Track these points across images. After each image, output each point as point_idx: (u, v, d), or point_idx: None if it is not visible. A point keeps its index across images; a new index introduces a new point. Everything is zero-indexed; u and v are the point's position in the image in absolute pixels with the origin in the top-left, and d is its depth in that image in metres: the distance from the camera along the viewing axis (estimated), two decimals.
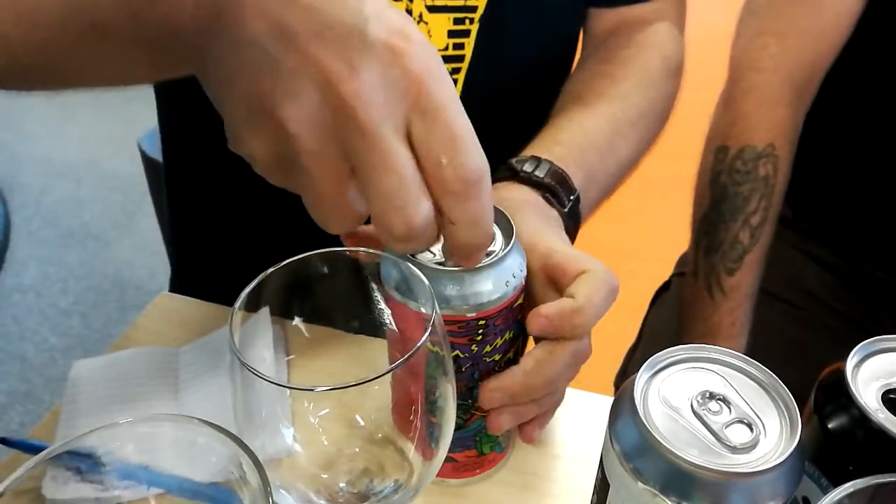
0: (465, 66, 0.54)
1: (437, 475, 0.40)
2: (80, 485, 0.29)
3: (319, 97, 0.28)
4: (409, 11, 0.51)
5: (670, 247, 0.78)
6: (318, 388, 0.27)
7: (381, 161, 0.29)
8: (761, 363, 0.31)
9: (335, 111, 0.28)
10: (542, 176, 0.43)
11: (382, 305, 0.35)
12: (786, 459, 0.27)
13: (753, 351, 0.61)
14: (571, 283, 0.36)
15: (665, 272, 0.78)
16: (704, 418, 0.29)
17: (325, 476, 0.33)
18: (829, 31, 0.60)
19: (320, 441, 0.34)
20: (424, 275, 0.31)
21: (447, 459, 0.40)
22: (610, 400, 0.31)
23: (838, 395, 0.30)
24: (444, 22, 0.52)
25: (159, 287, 0.60)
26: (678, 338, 0.63)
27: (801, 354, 0.53)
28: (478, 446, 0.40)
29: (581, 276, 0.36)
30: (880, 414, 0.29)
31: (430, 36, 0.52)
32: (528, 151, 0.47)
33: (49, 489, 0.27)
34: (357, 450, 0.34)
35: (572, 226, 0.45)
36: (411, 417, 0.31)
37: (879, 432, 0.29)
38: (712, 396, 0.30)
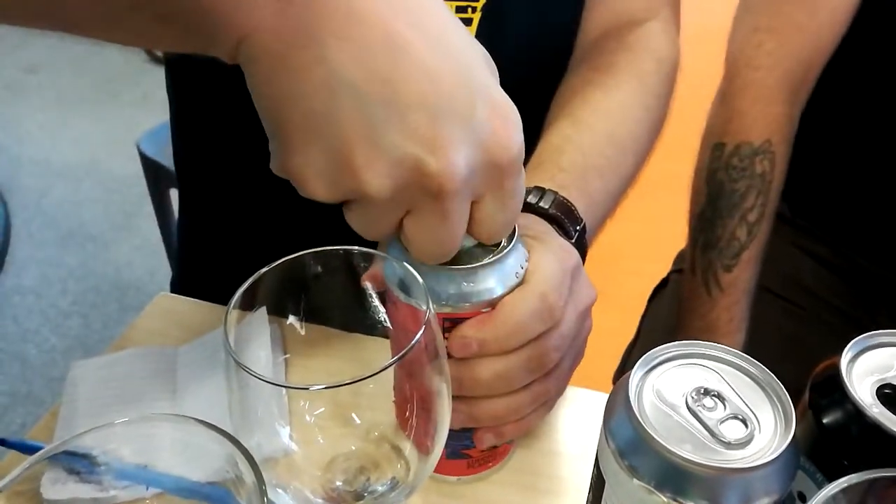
0: None
1: (452, 474, 0.41)
2: (78, 485, 0.29)
3: (414, 183, 0.29)
4: None
5: (668, 244, 0.78)
6: (314, 387, 0.27)
7: (443, 219, 0.30)
8: (758, 359, 0.31)
9: (422, 178, 0.29)
10: (547, 207, 0.43)
11: (377, 303, 0.35)
12: (780, 455, 0.27)
13: (750, 347, 0.61)
14: None
15: (663, 269, 0.79)
16: (699, 414, 0.29)
17: (322, 475, 0.33)
18: (824, 27, 0.60)
19: (316, 440, 0.34)
20: (431, 275, 0.31)
21: (461, 457, 0.40)
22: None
23: (833, 390, 0.30)
24: None
25: (159, 287, 0.60)
26: (676, 335, 0.63)
27: (798, 350, 0.53)
28: None
29: (518, 288, 0.36)
30: (875, 409, 0.30)
31: None
32: (530, 180, 0.46)
33: (47, 490, 0.27)
34: (353, 448, 0.34)
35: (580, 254, 0.45)
36: (407, 415, 0.31)
37: (874, 427, 0.29)
38: (707, 392, 0.30)
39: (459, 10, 0.52)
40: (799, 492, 0.31)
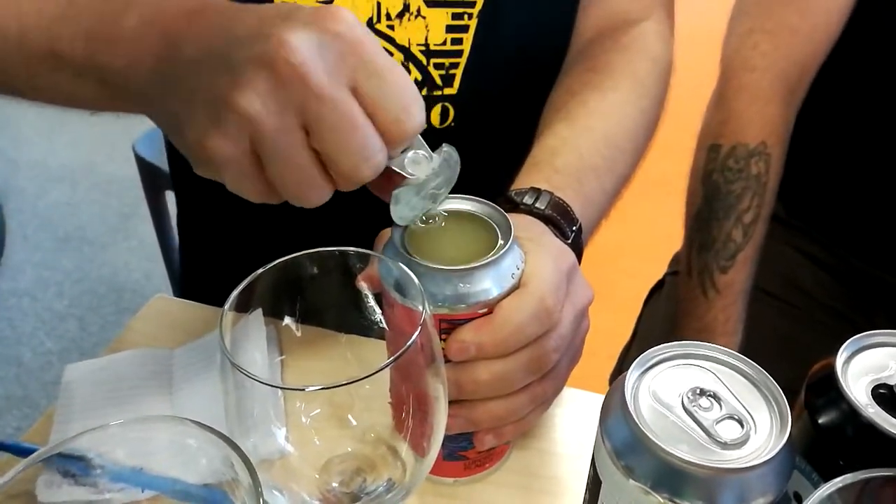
0: (463, 60, 0.54)
1: (449, 476, 0.41)
2: (73, 488, 0.29)
3: (271, 78, 0.31)
4: (408, 6, 0.51)
5: (664, 245, 0.78)
6: (309, 388, 0.27)
7: (345, 121, 0.31)
8: (754, 360, 0.31)
9: (289, 84, 0.31)
10: (542, 208, 0.43)
11: (373, 304, 0.35)
12: (776, 455, 0.27)
13: (747, 348, 0.61)
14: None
15: (659, 271, 0.79)
16: (695, 414, 0.29)
17: (318, 476, 0.33)
18: (819, 29, 0.60)
19: (313, 441, 0.34)
20: (427, 276, 0.31)
21: (458, 458, 0.40)
22: None
23: (828, 390, 0.30)
24: (442, 17, 0.52)
25: (155, 290, 0.60)
26: (672, 336, 0.63)
27: (794, 351, 0.53)
28: None
29: (516, 291, 0.36)
30: (870, 409, 0.30)
31: (428, 30, 0.52)
32: (526, 181, 0.46)
33: (41, 492, 0.27)
34: (349, 449, 0.34)
35: (576, 255, 0.45)
36: (404, 416, 0.31)
37: (869, 427, 0.29)
38: (703, 393, 0.30)
39: (456, 16, 0.52)
40: (795, 492, 0.31)
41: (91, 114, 0.45)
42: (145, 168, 1.17)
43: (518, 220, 0.43)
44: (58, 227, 1.87)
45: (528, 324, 0.35)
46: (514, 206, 0.44)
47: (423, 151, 0.35)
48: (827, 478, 0.26)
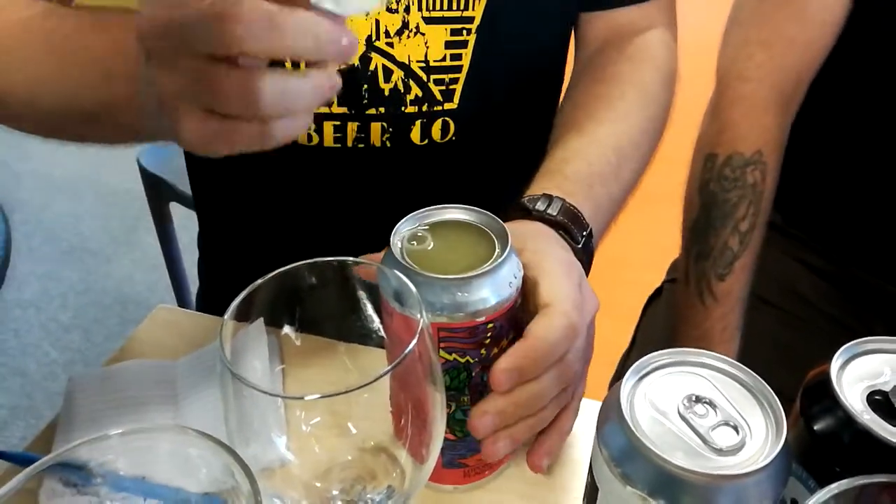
0: (462, 76, 0.54)
1: (448, 483, 0.41)
2: (76, 497, 0.29)
3: (198, 28, 0.30)
4: (407, 23, 0.51)
5: (662, 254, 0.79)
6: (309, 397, 0.27)
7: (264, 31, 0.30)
8: (752, 367, 0.31)
9: (213, 25, 0.29)
10: (554, 214, 0.44)
11: (372, 313, 0.35)
12: (772, 461, 0.27)
13: (745, 355, 0.61)
14: (534, 317, 0.37)
15: (657, 279, 0.79)
16: (691, 421, 0.29)
17: (319, 484, 0.33)
18: (814, 39, 0.61)
19: (313, 449, 0.34)
20: (426, 285, 0.32)
21: (457, 466, 0.40)
22: None
23: (824, 396, 0.31)
24: (441, 33, 0.52)
25: (159, 301, 0.60)
26: (671, 344, 0.63)
27: (792, 358, 0.53)
28: None
29: (541, 310, 0.37)
30: (865, 415, 0.30)
31: (428, 47, 0.53)
32: (537, 189, 0.47)
33: (44, 502, 0.27)
34: (349, 458, 0.34)
35: (586, 260, 0.46)
36: (403, 423, 0.32)
37: (865, 433, 0.29)
38: (698, 400, 0.30)
39: (455, 32, 0.53)
40: (792, 498, 0.32)
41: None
42: (149, 180, 1.18)
43: (527, 228, 0.43)
44: (62, 238, 1.88)
45: (559, 343, 0.36)
46: (526, 213, 0.45)
47: None
48: (823, 484, 0.26)
